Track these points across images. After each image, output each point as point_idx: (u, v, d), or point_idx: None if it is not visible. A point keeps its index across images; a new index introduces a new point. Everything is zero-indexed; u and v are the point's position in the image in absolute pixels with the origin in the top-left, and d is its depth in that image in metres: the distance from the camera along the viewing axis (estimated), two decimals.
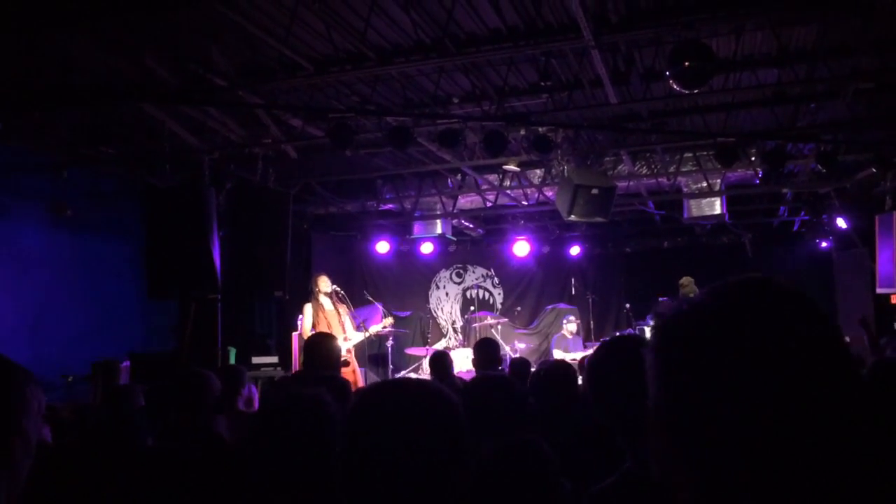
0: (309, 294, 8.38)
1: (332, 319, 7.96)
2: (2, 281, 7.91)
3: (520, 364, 6.30)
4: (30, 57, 6.22)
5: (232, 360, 8.99)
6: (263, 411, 2.70)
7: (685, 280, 9.17)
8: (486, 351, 5.55)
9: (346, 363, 7.51)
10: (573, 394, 3.75)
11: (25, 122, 7.58)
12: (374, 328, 9.20)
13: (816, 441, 0.75)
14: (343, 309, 8.22)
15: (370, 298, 11.21)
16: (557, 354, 11.22)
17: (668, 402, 0.83)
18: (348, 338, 8.02)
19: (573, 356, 10.77)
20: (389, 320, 9.67)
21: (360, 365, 10.23)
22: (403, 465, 1.22)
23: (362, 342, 9.42)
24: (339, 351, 5.16)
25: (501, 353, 7.75)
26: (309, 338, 4.97)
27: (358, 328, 8.73)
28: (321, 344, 4.71)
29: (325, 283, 7.98)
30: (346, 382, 4.30)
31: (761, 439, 0.75)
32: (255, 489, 1.90)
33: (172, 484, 2.58)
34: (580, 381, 5.47)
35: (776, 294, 0.83)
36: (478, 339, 11.72)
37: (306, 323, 7.91)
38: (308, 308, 7.99)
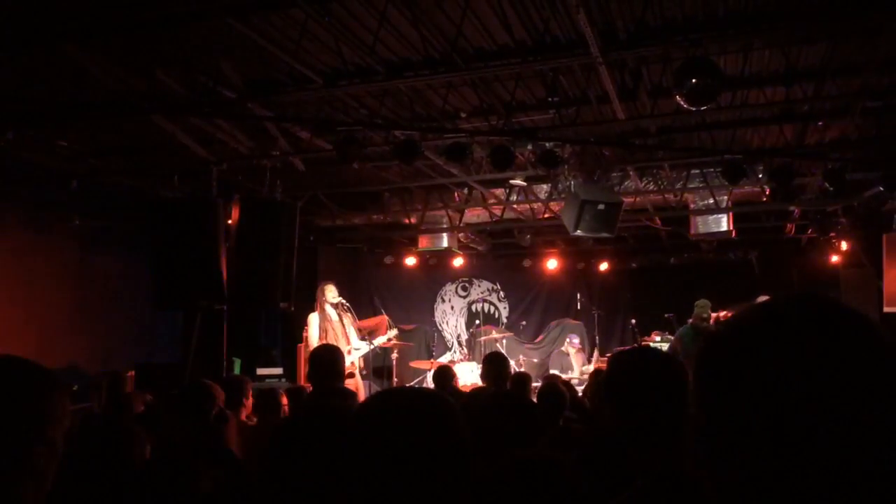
0: (314, 303, 8.37)
1: (337, 330, 7.95)
2: (10, 291, 7.94)
3: (520, 378, 6.25)
4: (43, 70, 6.27)
5: (237, 371, 8.99)
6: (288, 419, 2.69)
7: (702, 302, 9.17)
8: (495, 365, 5.50)
9: (351, 375, 7.50)
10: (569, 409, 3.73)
11: (36, 132, 7.64)
12: (379, 340, 9.20)
13: (857, 450, 0.75)
14: (348, 319, 8.21)
15: (380, 308, 11.22)
16: (555, 372, 11.19)
17: (711, 413, 0.84)
18: (353, 349, 8.01)
19: (570, 376, 10.78)
20: (394, 332, 9.67)
21: (364, 378, 10.22)
22: (402, 468, 1.21)
23: (367, 354, 9.42)
24: (344, 362, 5.15)
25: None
26: (314, 349, 4.96)
27: (363, 339, 8.72)
28: (326, 355, 4.70)
29: (331, 293, 7.96)
30: (353, 393, 4.29)
31: (804, 452, 0.76)
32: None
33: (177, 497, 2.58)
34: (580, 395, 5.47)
35: (825, 308, 0.83)
36: (483, 352, 11.72)
37: (312, 333, 7.89)
38: (314, 318, 7.97)
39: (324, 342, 7.68)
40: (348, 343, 7.98)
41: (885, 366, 0.79)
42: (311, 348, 7.62)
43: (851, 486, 0.75)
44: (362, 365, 8.85)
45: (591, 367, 10.56)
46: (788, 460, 0.77)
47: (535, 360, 13.10)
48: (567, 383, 6.82)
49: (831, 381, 0.77)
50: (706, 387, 0.86)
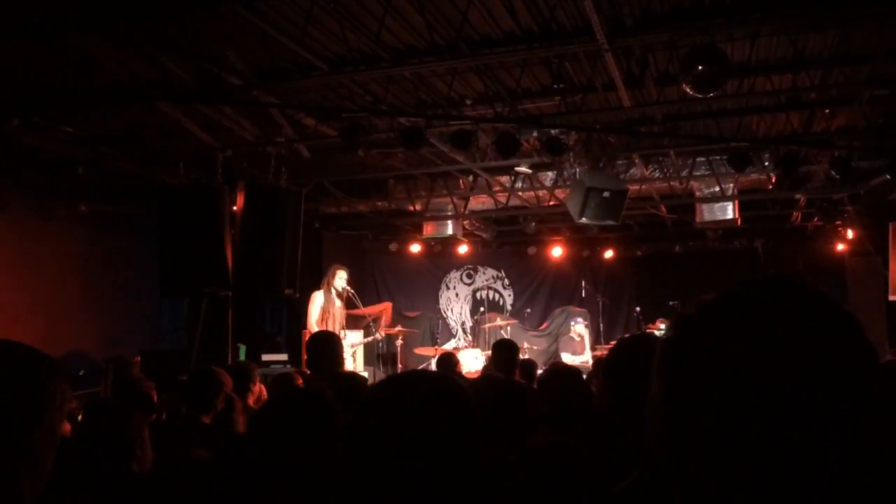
0: (321, 283, 8.33)
1: (338, 317, 7.93)
2: (16, 277, 7.98)
3: (527, 365, 6.26)
4: (48, 57, 6.27)
5: (242, 358, 9.03)
6: (264, 406, 2.72)
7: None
8: (504, 352, 5.49)
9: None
10: (581, 396, 3.74)
11: (42, 119, 7.65)
12: (380, 331, 9.24)
13: (829, 438, 0.73)
14: (343, 308, 8.16)
15: (385, 295, 11.26)
16: (565, 357, 11.21)
17: (672, 396, 0.81)
18: (344, 336, 7.98)
19: (581, 359, 10.78)
20: (397, 328, 9.71)
21: (369, 363, 10.26)
22: (411, 453, 1.21)
23: (372, 341, 9.45)
24: (342, 348, 5.18)
25: None
26: (312, 335, 4.97)
27: (366, 330, 8.73)
28: (323, 341, 4.74)
29: (340, 279, 7.93)
30: (362, 380, 4.31)
31: (772, 437, 0.73)
32: (258, 483, 1.90)
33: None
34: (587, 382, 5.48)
35: (795, 290, 0.81)
36: (487, 340, 11.76)
37: (313, 311, 7.83)
38: (317, 297, 7.89)
39: (322, 324, 7.69)
40: (343, 331, 7.96)
41: (853, 347, 0.77)
42: (310, 326, 7.64)
43: (821, 476, 0.72)
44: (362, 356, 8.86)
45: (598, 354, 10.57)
46: (753, 451, 0.74)
47: (540, 348, 13.12)
48: (572, 368, 6.82)
49: (798, 367, 0.74)
50: (669, 367, 0.83)
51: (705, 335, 0.80)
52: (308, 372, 4.80)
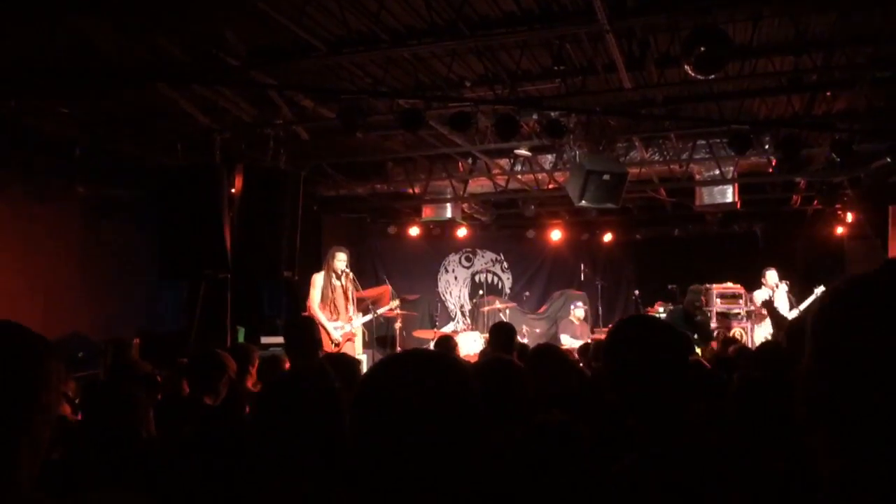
0: (321, 264, 8.32)
1: (339, 299, 7.92)
2: (15, 259, 7.96)
3: (522, 349, 6.23)
4: (45, 38, 6.22)
5: (241, 340, 9.04)
6: (264, 386, 2.72)
7: (695, 287, 9.23)
8: (502, 335, 5.49)
9: (337, 346, 7.53)
10: (567, 375, 3.71)
11: (39, 100, 7.60)
12: (382, 310, 9.22)
13: None
14: (352, 290, 8.17)
15: (384, 278, 11.25)
16: (565, 340, 11.23)
17: (817, 360, 0.96)
18: (352, 319, 7.98)
19: (581, 342, 10.79)
20: (396, 303, 9.69)
21: (368, 347, 10.26)
22: (412, 432, 1.20)
23: (370, 324, 9.43)
24: (320, 332, 5.21)
25: None
26: (289, 321, 4.99)
27: (367, 310, 8.72)
28: (301, 326, 4.76)
29: (340, 260, 7.90)
30: (356, 361, 4.31)
31: None
32: (260, 466, 1.90)
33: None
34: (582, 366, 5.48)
35: None
36: (486, 323, 11.77)
37: (314, 294, 7.82)
38: (318, 279, 7.88)
39: (322, 306, 7.68)
40: (347, 313, 7.96)
41: None
42: (311, 309, 7.64)
43: None
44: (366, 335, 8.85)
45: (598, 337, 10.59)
46: None
47: (539, 331, 13.14)
48: (553, 347, 6.82)
49: None
50: (828, 338, 0.96)
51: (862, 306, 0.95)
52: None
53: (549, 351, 3.73)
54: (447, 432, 1.21)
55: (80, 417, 3.84)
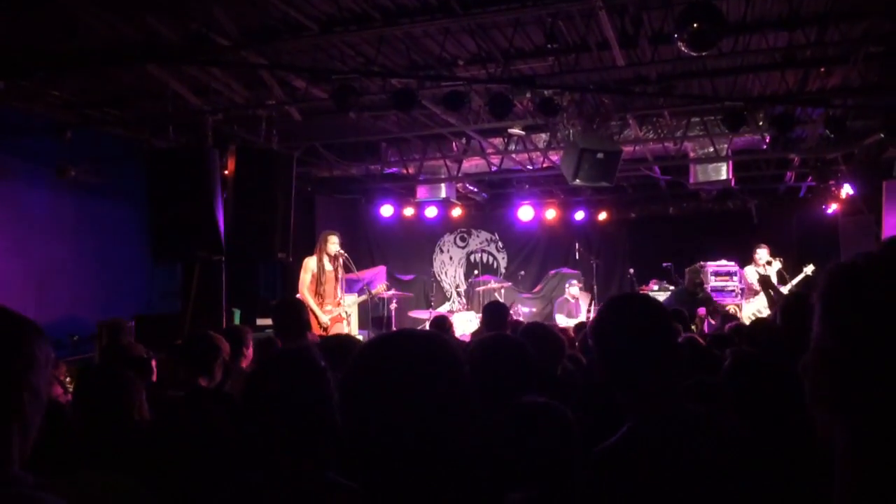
0: (313, 248, 8.31)
1: (329, 282, 7.90)
2: (7, 242, 7.94)
3: (514, 327, 6.23)
4: (34, 19, 6.15)
5: (236, 322, 9.04)
6: (254, 367, 2.72)
7: (693, 268, 9.45)
8: (494, 313, 5.51)
9: (325, 329, 7.53)
10: (560, 355, 3.72)
11: (29, 83, 7.54)
12: (375, 290, 9.24)
13: None
14: (342, 273, 8.16)
15: (379, 259, 11.24)
16: (560, 319, 11.25)
17: (835, 337, 0.94)
18: (340, 303, 7.97)
19: (576, 321, 10.81)
20: (384, 286, 9.74)
21: (363, 327, 10.27)
22: (403, 409, 1.21)
23: (366, 305, 9.45)
24: (308, 314, 5.22)
25: None
26: (277, 303, 5.01)
27: (360, 291, 8.72)
28: (289, 308, 4.77)
29: (332, 244, 7.89)
30: (354, 340, 4.32)
31: None
32: (251, 444, 1.91)
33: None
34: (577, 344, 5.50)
35: None
36: (481, 302, 11.78)
37: (304, 277, 7.82)
38: (309, 264, 7.88)
39: (312, 290, 7.67)
40: (337, 297, 7.94)
41: None
42: (301, 292, 7.64)
43: None
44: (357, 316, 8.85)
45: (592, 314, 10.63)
46: None
47: (534, 310, 13.17)
48: (557, 330, 6.84)
49: None
50: (839, 313, 0.95)
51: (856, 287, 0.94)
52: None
53: (538, 329, 3.73)
54: (435, 410, 1.22)
55: (69, 398, 3.85)
